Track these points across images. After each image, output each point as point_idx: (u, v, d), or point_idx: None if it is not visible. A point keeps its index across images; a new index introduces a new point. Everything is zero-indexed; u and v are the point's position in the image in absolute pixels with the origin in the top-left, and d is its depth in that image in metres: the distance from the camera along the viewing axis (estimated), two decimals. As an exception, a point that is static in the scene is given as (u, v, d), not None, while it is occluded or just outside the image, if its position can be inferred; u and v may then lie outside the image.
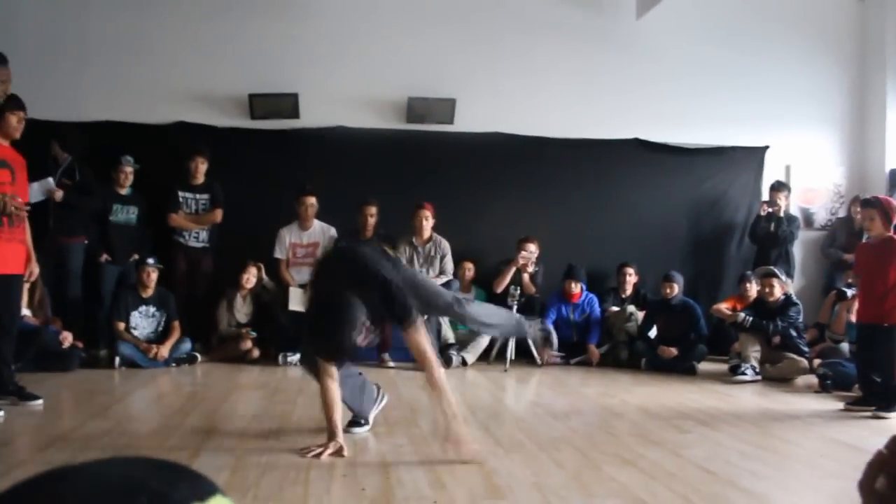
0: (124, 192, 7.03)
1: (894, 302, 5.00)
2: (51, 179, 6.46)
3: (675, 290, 7.07)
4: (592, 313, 7.30)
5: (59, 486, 0.57)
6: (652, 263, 7.77)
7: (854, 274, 5.38)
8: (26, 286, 5.97)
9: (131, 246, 6.91)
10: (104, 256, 6.87)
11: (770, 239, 7.75)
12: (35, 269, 4.83)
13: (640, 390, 5.78)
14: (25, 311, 6.00)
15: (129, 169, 6.99)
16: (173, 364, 6.42)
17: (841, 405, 5.13)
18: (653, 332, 7.06)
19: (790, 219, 7.84)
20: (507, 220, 7.79)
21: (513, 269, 7.27)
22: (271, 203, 7.42)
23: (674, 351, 6.82)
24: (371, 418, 4.06)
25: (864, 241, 5.26)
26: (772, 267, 6.93)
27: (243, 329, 6.84)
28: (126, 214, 7.02)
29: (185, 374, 6.17)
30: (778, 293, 6.64)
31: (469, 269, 7.44)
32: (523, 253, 7.26)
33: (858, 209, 7.51)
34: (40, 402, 4.63)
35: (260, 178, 7.59)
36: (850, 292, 6.23)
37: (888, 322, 5.00)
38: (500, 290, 7.29)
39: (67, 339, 5.99)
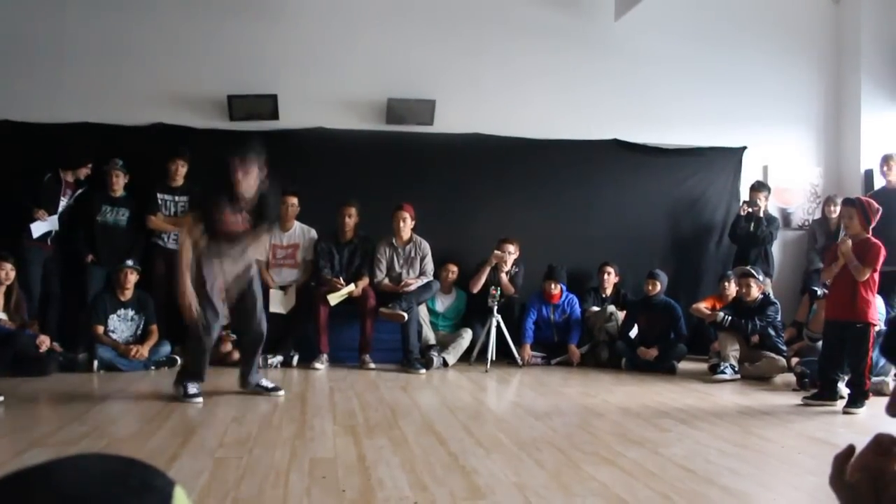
0: (116, 195, 6.99)
1: (867, 301, 5.06)
2: (55, 218, 6.71)
3: (658, 287, 7.11)
4: (573, 314, 7.32)
5: (51, 476, 0.59)
6: (632, 263, 7.82)
7: (826, 270, 5.42)
8: (2, 289, 5.95)
9: (120, 248, 6.81)
10: (89, 257, 6.83)
11: (749, 239, 7.81)
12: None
13: (620, 390, 5.81)
14: (1, 315, 5.94)
15: (117, 172, 6.95)
16: (152, 367, 6.38)
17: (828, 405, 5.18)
18: (633, 332, 7.09)
19: (770, 219, 7.90)
20: (488, 221, 7.81)
21: (488, 269, 7.28)
22: (251, 205, 7.37)
23: (652, 353, 6.86)
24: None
25: (840, 238, 5.31)
26: (749, 267, 6.98)
27: (223, 331, 6.80)
28: (115, 216, 6.96)
29: (164, 377, 6.11)
30: (755, 293, 6.70)
31: (452, 272, 7.44)
32: (496, 252, 7.27)
33: (832, 209, 7.61)
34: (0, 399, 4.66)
35: (239, 179, 7.54)
36: (820, 292, 6.31)
37: (861, 321, 5.06)
38: (475, 290, 7.32)
39: (45, 342, 5.93)
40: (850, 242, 5.09)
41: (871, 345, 5.08)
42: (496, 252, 7.28)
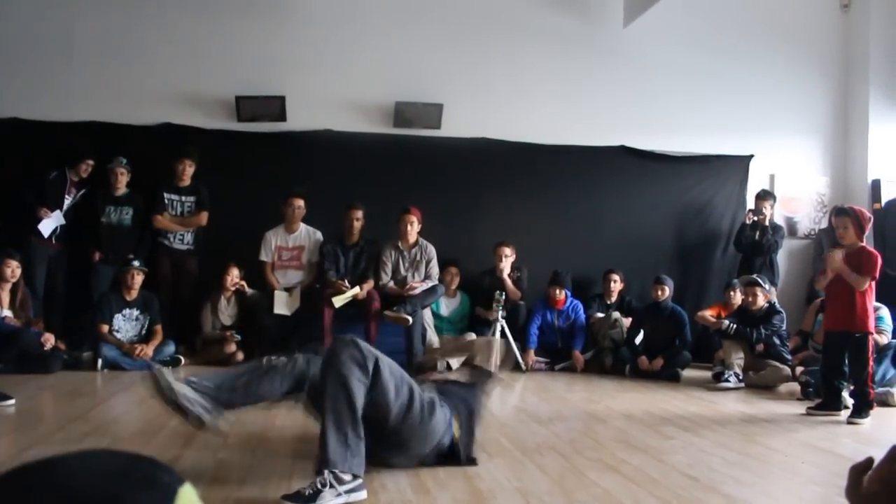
0: (119, 193, 6.99)
1: (865, 310, 5.05)
2: (59, 212, 6.73)
3: (667, 293, 7.07)
4: (577, 319, 7.30)
5: (55, 471, 0.59)
6: (637, 270, 7.81)
7: (822, 280, 5.42)
8: (7, 287, 5.96)
9: (125, 247, 6.83)
10: (97, 255, 6.84)
11: (755, 247, 7.79)
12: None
13: (623, 396, 5.79)
14: (7, 312, 5.96)
15: (121, 170, 6.95)
16: (157, 367, 6.37)
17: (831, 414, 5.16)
18: (639, 339, 7.05)
19: (775, 228, 7.88)
20: (494, 226, 7.80)
21: (502, 299, 6.89)
22: (257, 206, 7.39)
23: (656, 364, 6.77)
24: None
25: (828, 253, 5.31)
26: (755, 276, 6.97)
27: (227, 332, 6.81)
28: (119, 216, 6.97)
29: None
30: (761, 301, 6.68)
31: (455, 275, 7.44)
32: (500, 265, 7.28)
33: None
34: (12, 402, 4.58)
35: (246, 180, 7.57)
36: None
37: (859, 330, 5.04)
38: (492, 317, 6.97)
39: (49, 340, 5.94)
40: (839, 257, 5.08)
41: (870, 354, 5.06)
42: (500, 265, 7.27)
